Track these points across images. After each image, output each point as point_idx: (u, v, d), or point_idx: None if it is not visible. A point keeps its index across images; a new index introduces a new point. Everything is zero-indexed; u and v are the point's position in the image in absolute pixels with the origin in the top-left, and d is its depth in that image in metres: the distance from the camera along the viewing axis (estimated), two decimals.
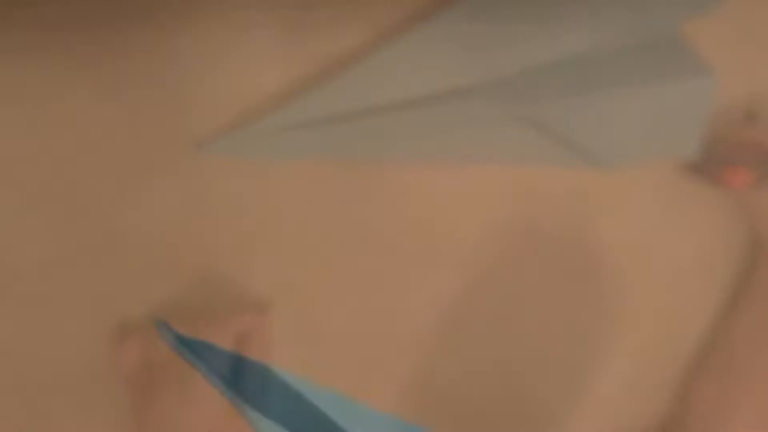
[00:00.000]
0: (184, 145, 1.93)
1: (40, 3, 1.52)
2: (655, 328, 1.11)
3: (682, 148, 0.74)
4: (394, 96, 0.71)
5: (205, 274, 1.89)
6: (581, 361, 1.35)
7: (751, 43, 1.06)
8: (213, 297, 1.93)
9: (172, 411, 0.65)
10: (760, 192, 0.81)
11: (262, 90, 2.02)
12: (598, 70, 0.71)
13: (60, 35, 1.92)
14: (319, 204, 1.88)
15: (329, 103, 0.72)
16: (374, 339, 1.16)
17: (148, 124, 2.00)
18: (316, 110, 0.74)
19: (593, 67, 0.71)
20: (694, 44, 0.89)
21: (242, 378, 0.66)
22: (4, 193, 1.88)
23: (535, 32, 0.70)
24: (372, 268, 1.09)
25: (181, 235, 1.88)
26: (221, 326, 0.69)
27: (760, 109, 0.92)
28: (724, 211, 1.01)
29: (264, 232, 1.89)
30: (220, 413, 0.64)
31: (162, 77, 2.24)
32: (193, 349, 0.68)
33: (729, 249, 1.06)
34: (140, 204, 1.96)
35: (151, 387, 0.67)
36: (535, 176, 1.07)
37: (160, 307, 1.87)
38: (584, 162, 0.73)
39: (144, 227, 1.96)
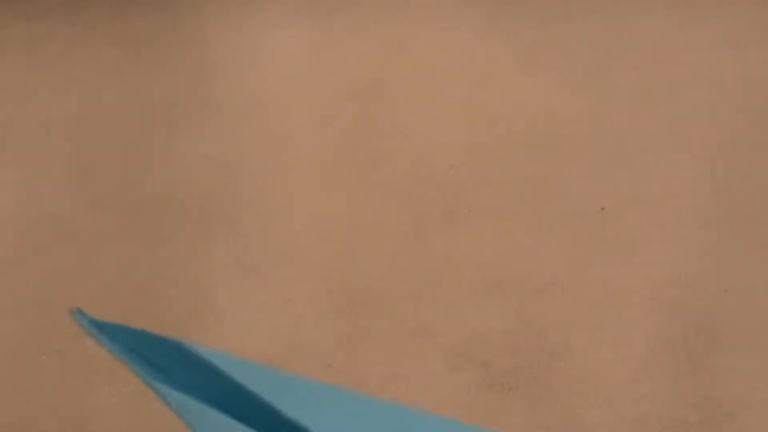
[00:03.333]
0: (208, 103, 1.96)
1: None
2: None
3: None
4: None
5: (230, 230, 1.92)
6: None
7: None
8: (239, 252, 1.96)
9: None
10: None
11: (284, 50, 2.05)
12: None
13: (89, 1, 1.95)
14: (331, 134, 1.89)
15: None
16: None
17: (173, 83, 2.04)
18: None
19: None
20: None
21: (156, 354, 0.65)
22: (40, 149, 1.92)
23: None
24: None
25: (207, 193, 1.90)
26: None
27: None
28: None
29: (286, 187, 1.91)
30: None
31: (188, 37, 2.29)
32: (106, 331, 0.66)
33: None
34: (164, 161, 1.99)
35: None
36: None
37: (179, 265, 1.90)
38: None
39: (169, 181, 1.98)
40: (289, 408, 0.62)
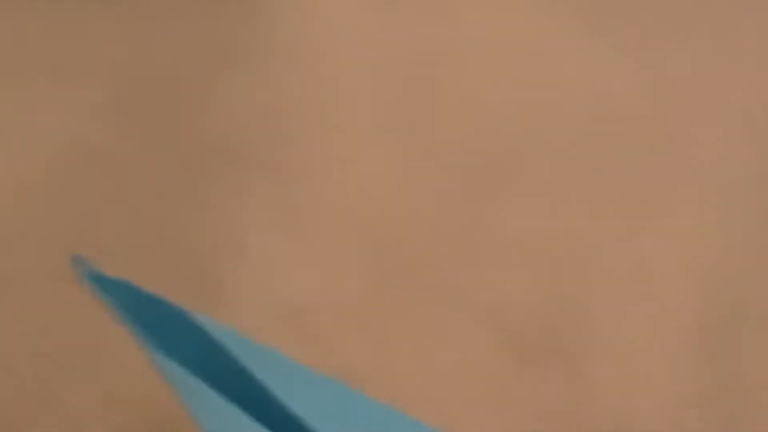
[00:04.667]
0: (256, 47, 1.95)
1: None
2: None
3: None
4: None
5: (271, 176, 1.92)
6: None
7: None
8: (277, 199, 1.96)
9: None
10: None
11: (341, 3, 2.02)
12: None
13: None
14: (383, 97, 1.87)
15: None
16: None
17: (226, 25, 2.03)
18: None
19: None
20: None
21: (157, 319, 0.62)
22: (87, 83, 1.92)
23: None
24: None
25: (250, 135, 1.90)
26: None
27: None
28: None
29: (330, 130, 1.90)
30: None
31: None
32: (107, 286, 0.62)
33: None
34: (210, 102, 1.99)
35: None
36: None
37: (220, 207, 1.90)
38: None
39: (211, 121, 1.98)
40: (291, 399, 0.59)
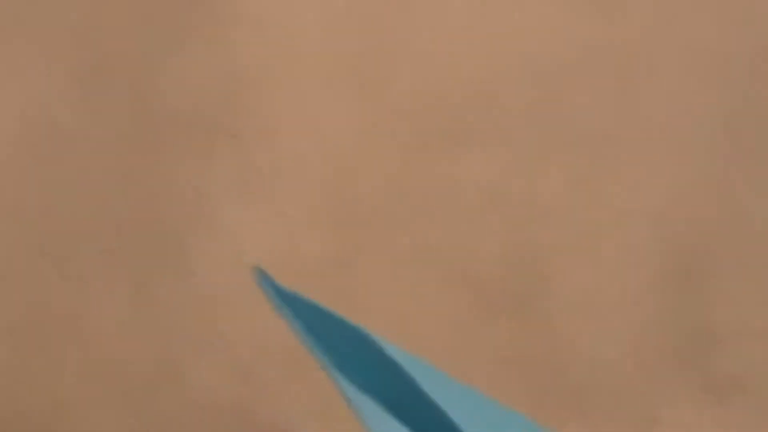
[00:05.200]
0: (216, 17, 1.93)
1: None
2: None
3: None
4: None
5: (233, 143, 1.92)
6: None
7: None
8: (241, 165, 1.96)
9: None
10: None
11: None
12: None
13: None
14: (341, 52, 1.86)
15: None
16: None
17: None
18: None
19: None
20: None
21: (337, 338, 0.61)
22: (45, 55, 1.90)
23: None
24: None
25: (212, 103, 1.90)
26: None
27: None
28: None
29: (291, 91, 1.89)
30: None
31: None
32: (291, 303, 0.61)
33: None
34: (171, 72, 1.97)
35: None
36: None
37: (184, 174, 1.89)
38: None
39: (173, 91, 1.96)
40: (471, 428, 0.57)
